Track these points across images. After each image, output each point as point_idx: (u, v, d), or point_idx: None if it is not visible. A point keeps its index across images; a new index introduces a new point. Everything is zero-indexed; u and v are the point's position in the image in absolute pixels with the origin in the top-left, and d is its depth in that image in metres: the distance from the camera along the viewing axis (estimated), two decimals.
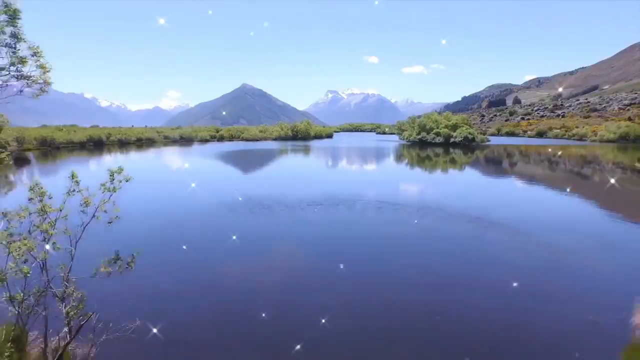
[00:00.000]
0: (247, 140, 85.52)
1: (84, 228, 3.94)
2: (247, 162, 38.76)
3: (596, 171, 28.82)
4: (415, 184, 23.38)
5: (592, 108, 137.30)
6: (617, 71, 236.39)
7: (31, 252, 3.59)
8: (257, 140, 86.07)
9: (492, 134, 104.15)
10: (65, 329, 3.81)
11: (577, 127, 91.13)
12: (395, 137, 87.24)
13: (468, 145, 61.16)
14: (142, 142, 72.84)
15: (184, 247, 9.93)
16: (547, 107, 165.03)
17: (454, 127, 64.62)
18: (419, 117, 73.75)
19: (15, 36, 2.77)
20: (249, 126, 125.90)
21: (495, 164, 36.05)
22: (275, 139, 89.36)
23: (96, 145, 63.43)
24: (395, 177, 26.90)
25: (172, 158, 41.27)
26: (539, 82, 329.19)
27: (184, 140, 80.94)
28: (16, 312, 3.40)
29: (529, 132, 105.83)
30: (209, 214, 13.63)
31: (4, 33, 2.71)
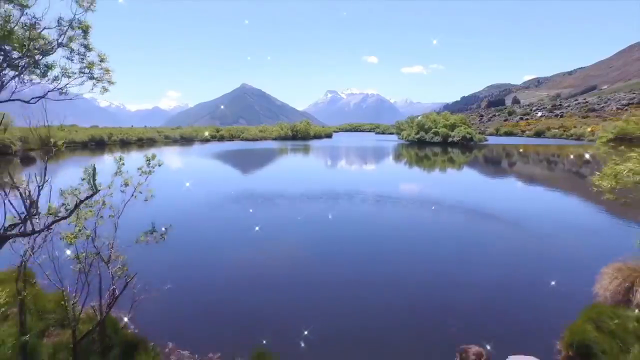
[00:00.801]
0: (247, 140, 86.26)
1: (125, 204, 4.70)
2: (249, 160, 39.54)
3: (583, 167, 29.67)
4: (407, 179, 24.31)
5: (590, 108, 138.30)
6: (615, 71, 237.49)
7: (84, 223, 4.37)
8: (257, 140, 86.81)
9: (491, 134, 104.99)
10: (111, 289, 4.58)
11: (575, 127, 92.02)
12: (394, 137, 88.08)
13: (466, 145, 61.97)
14: (143, 142, 73.58)
15: (202, 228, 11.64)
16: (546, 107, 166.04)
17: (452, 127, 65.41)
18: (417, 117, 74.56)
19: (86, 46, 3.56)
20: (248, 126, 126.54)
21: (491, 162, 36.86)
22: (275, 139, 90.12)
23: (98, 145, 64.14)
24: (390, 173, 27.92)
25: (177, 156, 42.05)
26: (538, 82, 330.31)
27: (185, 140, 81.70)
28: (79, 268, 4.18)
29: (527, 132, 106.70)
30: (222, 204, 15.03)
31: (77, 44, 3.50)
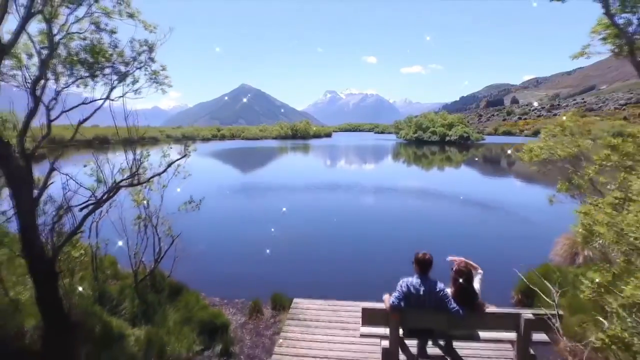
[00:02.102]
0: (247, 139, 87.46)
1: (169, 181, 6.00)
2: (254, 157, 40.87)
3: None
4: (396, 172, 25.91)
5: (588, 108, 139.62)
6: (614, 71, 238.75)
7: (139, 195, 5.68)
8: (258, 139, 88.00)
9: (489, 134, 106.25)
10: (158, 248, 5.89)
11: None
12: (393, 136, 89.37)
13: (463, 144, 63.23)
14: (146, 141, 74.81)
15: (226, 206, 15.00)
16: (545, 107, 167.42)
17: (450, 126, 66.70)
18: (416, 117, 75.88)
19: (152, 59, 4.85)
20: (248, 126, 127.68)
21: (482, 160, 38.19)
22: (275, 138, 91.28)
23: (101, 143, 65.43)
24: (382, 168, 29.43)
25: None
26: (537, 82, 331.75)
27: (186, 139, 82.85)
28: (137, 228, 5.49)
29: (525, 132, 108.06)
30: (238, 191, 18.13)
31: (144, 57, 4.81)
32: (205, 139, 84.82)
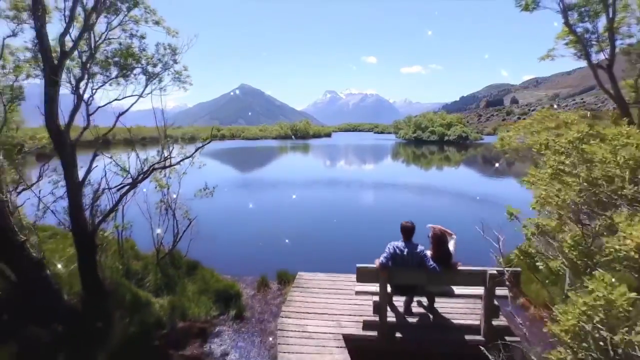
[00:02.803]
0: (247, 139, 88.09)
1: (185, 170, 6.71)
2: (252, 156, 41.61)
3: None
4: (395, 170, 26.81)
5: (588, 108, 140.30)
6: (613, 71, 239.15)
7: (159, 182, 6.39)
8: (258, 139, 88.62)
9: (489, 133, 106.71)
10: (176, 230, 6.60)
11: None
12: (393, 136, 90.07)
13: (462, 144, 63.90)
14: (147, 141, 75.53)
15: (236, 195, 16.91)
16: (544, 107, 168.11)
17: (449, 126, 67.40)
18: (415, 117, 76.61)
19: (175, 61, 5.57)
20: (248, 126, 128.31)
21: (475, 158, 38.94)
22: (275, 138, 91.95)
23: (103, 143, 65.93)
24: (381, 166, 30.19)
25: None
26: (537, 83, 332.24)
27: (188, 139, 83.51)
28: (159, 211, 6.20)
29: None
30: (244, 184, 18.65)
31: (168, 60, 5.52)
32: (205, 138, 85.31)
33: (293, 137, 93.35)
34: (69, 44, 4.49)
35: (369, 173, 27.43)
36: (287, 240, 9.40)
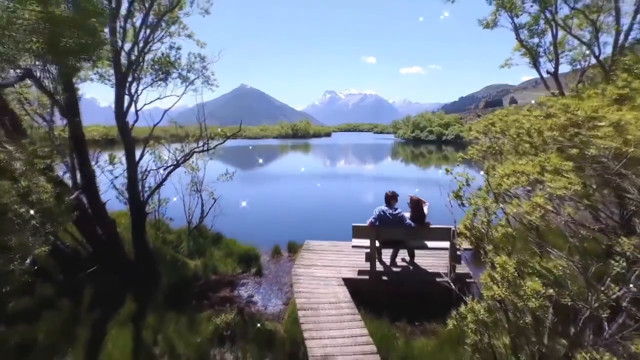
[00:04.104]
0: (248, 138, 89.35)
1: (210, 158, 8.00)
2: (255, 154, 42.94)
3: None
4: (391, 166, 27.95)
5: None
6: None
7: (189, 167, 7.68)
8: (259, 138, 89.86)
9: None
10: (203, 207, 7.88)
11: None
12: (392, 136, 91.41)
13: (460, 143, 65.19)
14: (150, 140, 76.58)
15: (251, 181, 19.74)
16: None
17: (447, 126, 68.73)
18: (414, 117, 77.94)
19: (204, 67, 6.87)
20: (249, 126, 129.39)
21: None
22: (275, 137, 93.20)
23: (108, 142, 67.35)
24: (379, 163, 31.50)
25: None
26: (535, 83, 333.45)
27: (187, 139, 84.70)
28: (190, 191, 7.49)
29: None
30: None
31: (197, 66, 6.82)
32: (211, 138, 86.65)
33: (297, 133, 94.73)
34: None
35: (366, 168, 28.94)
36: (290, 216, 11.04)
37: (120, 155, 7.22)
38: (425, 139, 67.57)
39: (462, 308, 3.62)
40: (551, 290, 2.46)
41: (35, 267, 3.76)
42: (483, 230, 3.14)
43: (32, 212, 3.66)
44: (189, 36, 7.10)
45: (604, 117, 2.35)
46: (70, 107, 5.22)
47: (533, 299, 2.43)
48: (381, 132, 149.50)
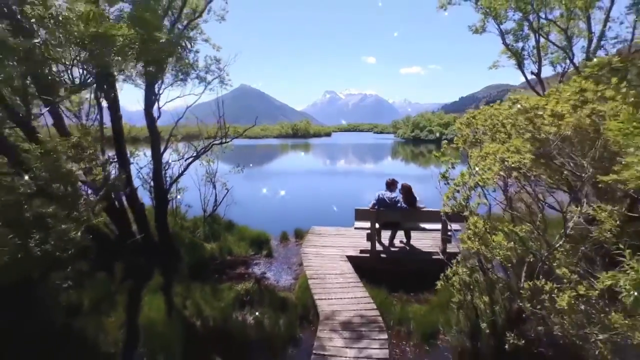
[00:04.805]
0: (249, 137, 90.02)
1: (224, 151, 8.69)
2: (258, 152, 43.67)
3: None
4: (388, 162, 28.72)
5: None
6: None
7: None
8: (259, 138, 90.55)
9: None
10: (215, 197, 8.56)
11: None
12: (391, 136, 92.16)
13: None
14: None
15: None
16: None
17: (446, 125, 69.45)
18: (414, 117, 78.67)
19: (220, 69, 7.56)
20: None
21: None
22: (276, 137, 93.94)
23: (109, 141, 67.95)
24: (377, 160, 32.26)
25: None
26: (535, 83, 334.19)
27: (191, 137, 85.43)
28: (205, 182, 8.18)
29: None
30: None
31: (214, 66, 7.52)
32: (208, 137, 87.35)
33: (297, 133, 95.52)
34: None
35: (366, 167, 29.70)
36: (297, 206, 11.81)
37: (141, 151, 7.97)
38: (425, 138, 68.33)
39: (449, 270, 4.32)
40: (512, 243, 3.15)
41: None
42: (463, 203, 3.83)
43: (89, 190, 4.36)
44: (206, 40, 7.82)
45: (545, 108, 3.02)
46: (113, 104, 5.93)
47: (497, 250, 3.12)
48: (381, 132, 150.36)
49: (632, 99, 2.59)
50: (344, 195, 15.24)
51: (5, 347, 4.04)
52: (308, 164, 31.85)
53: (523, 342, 3.24)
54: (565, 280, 2.77)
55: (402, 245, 6.72)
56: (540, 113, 3.05)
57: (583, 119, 2.79)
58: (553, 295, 2.81)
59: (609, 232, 2.65)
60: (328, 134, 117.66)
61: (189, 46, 6.13)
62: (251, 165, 28.89)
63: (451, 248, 6.26)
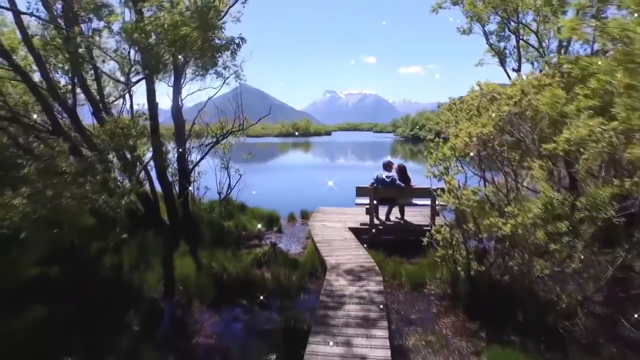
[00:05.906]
0: (250, 136, 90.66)
1: (236, 142, 9.57)
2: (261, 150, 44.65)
3: None
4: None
5: None
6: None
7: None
8: (260, 136, 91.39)
9: None
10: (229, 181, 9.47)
11: None
12: (391, 135, 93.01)
13: None
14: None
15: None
16: None
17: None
18: (413, 116, 79.53)
19: (235, 65, 8.46)
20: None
21: None
22: (276, 136, 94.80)
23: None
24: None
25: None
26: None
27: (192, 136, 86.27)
28: (221, 168, 9.09)
29: None
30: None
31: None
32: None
33: (296, 132, 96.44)
34: None
35: (366, 164, 30.62)
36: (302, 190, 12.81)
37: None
38: (424, 137, 68.93)
39: (433, 229, 5.23)
40: (477, 197, 4.07)
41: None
42: (443, 171, 4.75)
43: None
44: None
45: (504, 93, 3.94)
46: (150, 97, 6.84)
47: (466, 202, 4.03)
48: (381, 131, 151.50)
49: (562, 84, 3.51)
50: (345, 182, 16.10)
51: (63, 295, 4.91)
52: (310, 159, 33.11)
53: (483, 268, 4.15)
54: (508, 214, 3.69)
55: (397, 219, 7.63)
56: (499, 97, 3.97)
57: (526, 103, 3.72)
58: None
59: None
60: (328, 133, 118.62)
61: (241, 44, 6.89)
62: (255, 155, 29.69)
63: (439, 220, 7.16)
